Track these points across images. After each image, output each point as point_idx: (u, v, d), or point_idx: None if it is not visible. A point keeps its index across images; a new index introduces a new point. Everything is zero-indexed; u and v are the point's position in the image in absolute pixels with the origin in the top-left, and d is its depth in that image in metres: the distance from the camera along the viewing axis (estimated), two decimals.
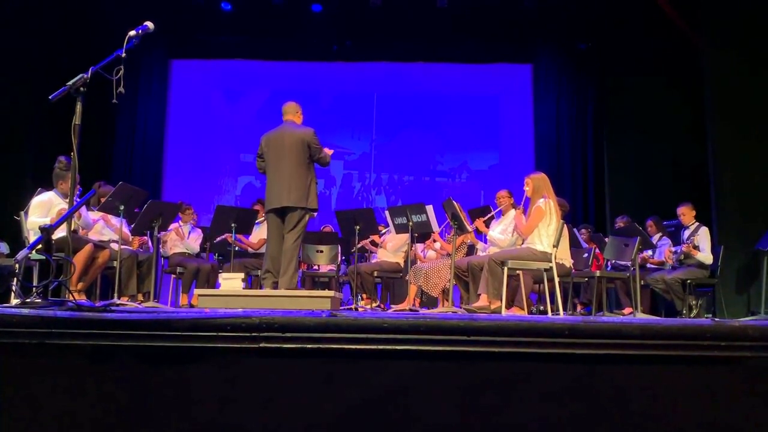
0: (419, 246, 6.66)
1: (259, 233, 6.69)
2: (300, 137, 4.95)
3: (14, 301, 2.98)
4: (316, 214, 5.12)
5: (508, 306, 4.89)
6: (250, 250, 6.89)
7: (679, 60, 8.17)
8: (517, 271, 4.88)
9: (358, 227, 5.78)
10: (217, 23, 9.09)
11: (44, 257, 2.70)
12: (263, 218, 6.16)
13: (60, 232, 3.85)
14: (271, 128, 5.23)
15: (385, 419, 1.83)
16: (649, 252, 6.58)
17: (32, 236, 4.82)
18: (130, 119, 9.30)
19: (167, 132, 9.51)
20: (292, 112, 5.18)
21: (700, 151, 7.55)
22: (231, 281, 4.89)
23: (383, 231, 6.73)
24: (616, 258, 6.17)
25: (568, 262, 5.16)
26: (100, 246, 5.06)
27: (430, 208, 5.43)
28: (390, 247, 6.62)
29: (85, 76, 3.00)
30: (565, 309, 5.32)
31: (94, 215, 5.61)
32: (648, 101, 8.45)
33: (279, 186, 4.90)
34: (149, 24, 3.33)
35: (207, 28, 9.19)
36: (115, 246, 5.35)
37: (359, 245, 6.17)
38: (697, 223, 6.27)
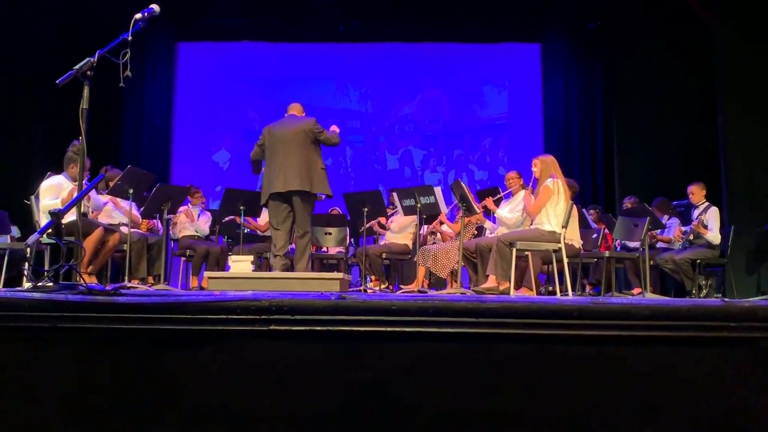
0: (425, 228, 6.66)
1: (267, 216, 6.70)
2: (302, 126, 5.11)
3: (26, 285, 3.00)
4: (327, 197, 5.23)
5: (517, 287, 4.89)
6: (258, 232, 6.93)
7: (689, 39, 8.06)
8: (526, 252, 4.87)
9: (366, 209, 5.78)
10: (223, 5, 9.03)
11: (55, 241, 2.71)
12: None
13: (70, 216, 3.87)
14: (279, 108, 5.54)
15: (394, 401, 1.84)
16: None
17: (44, 220, 4.84)
18: (138, 103, 9.28)
19: (175, 115, 9.49)
20: (297, 110, 5.36)
21: (711, 131, 7.47)
22: (241, 264, 4.91)
23: (390, 213, 6.73)
24: (626, 238, 6.14)
25: (578, 242, 5.14)
26: (110, 229, 5.08)
27: (438, 190, 5.43)
28: (394, 227, 6.62)
29: (92, 60, 3.00)
30: (574, 290, 5.32)
31: (104, 198, 5.63)
32: (657, 80, 8.36)
33: (287, 171, 4.99)
34: (155, 7, 3.32)
35: (213, 10, 9.14)
36: (125, 229, 5.37)
37: (367, 226, 6.19)
38: (706, 203, 6.23)
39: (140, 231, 5.81)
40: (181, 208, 6.36)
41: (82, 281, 2.52)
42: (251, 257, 5.05)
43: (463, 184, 5.19)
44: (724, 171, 7.06)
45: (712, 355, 1.86)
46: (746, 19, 7.00)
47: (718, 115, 7.29)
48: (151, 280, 5.72)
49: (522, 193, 5.33)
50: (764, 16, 6.89)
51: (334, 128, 5.25)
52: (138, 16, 3.23)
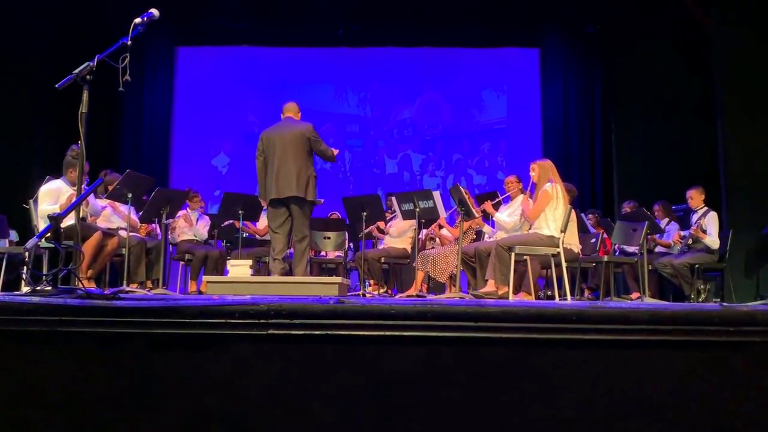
0: (424, 232, 6.66)
1: (266, 220, 6.71)
2: (300, 132, 5.08)
3: (25, 289, 3.00)
4: (322, 201, 5.22)
5: (516, 291, 4.88)
6: (257, 236, 6.93)
7: (688, 41, 8.08)
8: (525, 257, 4.87)
9: (365, 213, 5.78)
10: (223, 9, 9.04)
11: (53, 245, 2.71)
12: None
13: (69, 221, 3.87)
14: (278, 112, 5.40)
15: (393, 405, 1.83)
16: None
17: (42, 224, 4.83)
18: (137, 107, 9.29)
19: (174, 119, 9.50)
20: (293, 111, 5.32)
21: (710, 134, 7.47)
22: (239, 268, 4.91)
23: (389, 217, 6.73)
24: (624, 243, 6.15)
25: (576, 247, 5.14)
26: (108, 234, 5.08)
27: (437, 194, 5.44)
28: (393, 232, 6.63)
29: (91, 64, 3.00)
30: (572, 294, 5.32)
31: (102, 202, 5.63)
32: (657, 84, 8.37)
33: (281, 177, 5.00)
34: (154, 11, 3.32)
35: (212, 14, 9.15)
36: (123, 233, 5.37)
37: (366, 231, 6.19)
38: (705, 208, 6.23)
39: (139, 235, 5.80)
40: (180, 213, 6.35)
41: (80, 285, 2.51)
42: (250, 261, 5.04)
43: (462, 189, 5.19)
44: (723, 174, 7.06)
45: (711, 360, 1.86)
46: (745, 19, 7.00)
47: (718, 118, 7.29)
48: (149, 284, 5.71)
49: (521, 197, 5.33)
50: (763, 16, 6.88)
51: (334, 150, 5.21)
52: (137, 20, 3.23)
